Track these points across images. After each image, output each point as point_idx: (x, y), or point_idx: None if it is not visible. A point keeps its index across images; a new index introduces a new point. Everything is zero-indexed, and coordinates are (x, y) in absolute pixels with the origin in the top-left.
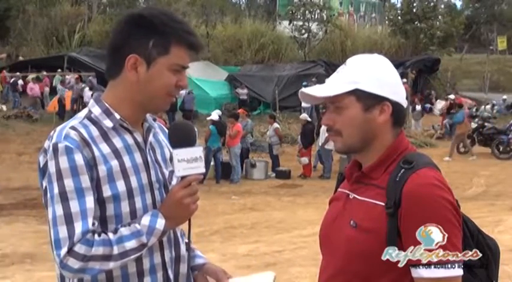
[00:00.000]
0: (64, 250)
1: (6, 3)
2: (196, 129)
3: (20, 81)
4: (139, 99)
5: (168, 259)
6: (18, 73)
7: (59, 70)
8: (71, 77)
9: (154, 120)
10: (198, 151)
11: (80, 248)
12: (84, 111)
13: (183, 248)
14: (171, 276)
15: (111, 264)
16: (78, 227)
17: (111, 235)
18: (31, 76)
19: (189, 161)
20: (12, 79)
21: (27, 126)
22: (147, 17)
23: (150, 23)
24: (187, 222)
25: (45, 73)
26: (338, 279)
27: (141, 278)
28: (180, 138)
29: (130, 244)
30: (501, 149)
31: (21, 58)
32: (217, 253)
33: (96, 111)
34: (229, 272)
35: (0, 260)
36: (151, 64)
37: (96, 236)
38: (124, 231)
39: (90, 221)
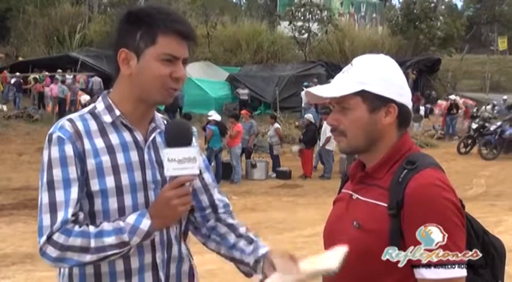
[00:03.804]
0: (44, 238)
1: (6, 4)
2: (195, 129)
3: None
4: (136, 93)
5: (159, 260)
6: (17, 73)
7: (59, 70)
8: (79, 77)
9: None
10: (191, 151)
11: (58, 237)
12: (91, 106)
13: (175, 249)
14: (162, 277)
15: (88, 257)
16: (60, 216)
17: (91, 228)
18: (32, 76)
19: (180, 162)
20: (14, 79)
21: (27, 126)
22: (134, 11)
23: (136, 17)
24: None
25: (46, 73)
26: (342, 280)
27: (129, 277)
28: (174, 138)
29: (110, 240)
30: (488, 149)
31: (20, 58)
32: None
33: (100, 106)
34: (230, 273)
35: (0, 260)
36: (140, 56)
37: (76, 226)
38: (106, 226)
39: (70, 211)
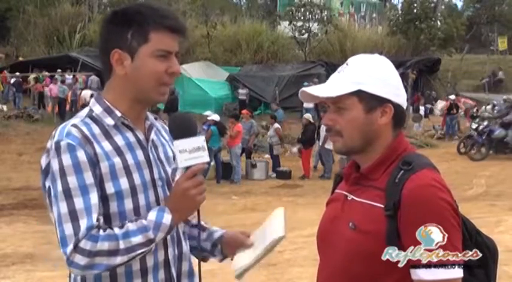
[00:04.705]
0: (70, 247)
1: (6, 4)
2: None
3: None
4: (133, 93)
5: (171, 257)
6: (17, 73)
7: (59, 70)
8: (78, 77)
9: (156, 119)
10: (199, 140)
11: (85, 244)
12: (86, 110)
13: (185, 245)
14: (174, 274)
15: (118, 260)
16: (83, 224)
17: (116, 230)
18: (32, 76)
19: (191, 151)
20: (14, 79)
21: (27, 126)
22: (121, 11)
23: (124, 16)
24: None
25: (46, 73)
26: (337, 281)
27: (145, 275)
28: (180, 129)
29: (137, 239)
30: (475, 149)
31: (20, 58)
32: None
33: (97, 109)
34: (230, 273)
35: (0, 260)
36: (134, 55)
37: (101, 231)
38: (131, 226)
39: (94, 216)
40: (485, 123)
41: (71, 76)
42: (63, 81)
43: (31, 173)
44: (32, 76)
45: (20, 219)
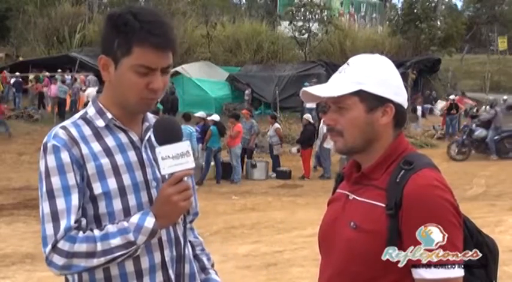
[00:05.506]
0: (49, 247)
1: (6, 3)
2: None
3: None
4: (118, 99)
5: (168, 259)
6: (17, 73)
7: (59, 70)
8: (76, 77)
9: None
10: (183, 146)
11: (63, 245)
12: (81, 112)
13: (185, 247)
14: (172, 276)
15: (95, 261)
16: (63, 224)
17: (96, 232)
18: (32, 76)
19: (174, 158)
20: (14, 79)
21: (27, 126)
22: (114, 17)
23: (115, 23)
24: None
25: (46, 73)
26: (338, 281)
27: (140, 277)
28: (164, 135)
29: (115, 241)
30: (456, 150)
31: (20, 58)
32: (217, 253)
33: (91, 111)
34: (230, 273)
35: (0, 260)
36: (117, 65)
37: (80, 232)
38: (111, 228)
39: (73, 218)
40: (465, 123)
41: (69, 76)
42: (63, 81)
43: (31, 173)
44: (32, 76)
45: (20, 219)
